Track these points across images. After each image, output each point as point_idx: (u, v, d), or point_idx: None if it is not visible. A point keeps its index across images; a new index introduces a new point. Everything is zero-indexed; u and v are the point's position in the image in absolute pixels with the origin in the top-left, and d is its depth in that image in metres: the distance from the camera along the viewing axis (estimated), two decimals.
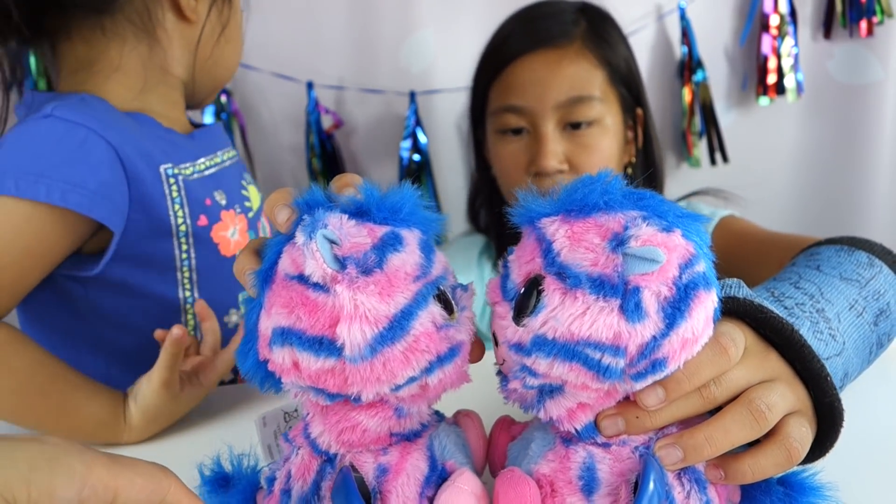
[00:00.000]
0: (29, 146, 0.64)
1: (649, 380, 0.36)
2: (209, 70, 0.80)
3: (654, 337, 0.34)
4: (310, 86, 1.20)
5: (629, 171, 0.98)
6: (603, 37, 0.94)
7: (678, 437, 0.38)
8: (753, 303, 0.42)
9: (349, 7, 1.19)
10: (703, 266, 0.36)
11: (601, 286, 0.34)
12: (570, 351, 0.35)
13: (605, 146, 0.92)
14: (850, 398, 0.52)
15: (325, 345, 0.35)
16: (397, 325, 0.35)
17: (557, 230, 0.36)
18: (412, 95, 1.22)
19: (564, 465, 0.38)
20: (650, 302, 0.34)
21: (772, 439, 0.39)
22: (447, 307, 0.37)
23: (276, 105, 1.23)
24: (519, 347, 0.37)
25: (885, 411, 0.58)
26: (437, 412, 0.44)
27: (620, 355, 0.34)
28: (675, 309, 0.34)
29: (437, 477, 0.39)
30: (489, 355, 0.41)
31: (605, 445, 0.38)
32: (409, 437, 0.40)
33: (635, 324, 0.34)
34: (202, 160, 0.79)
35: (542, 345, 0.35)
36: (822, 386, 0.41)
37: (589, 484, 0.37)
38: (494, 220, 1.06)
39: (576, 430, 0.39)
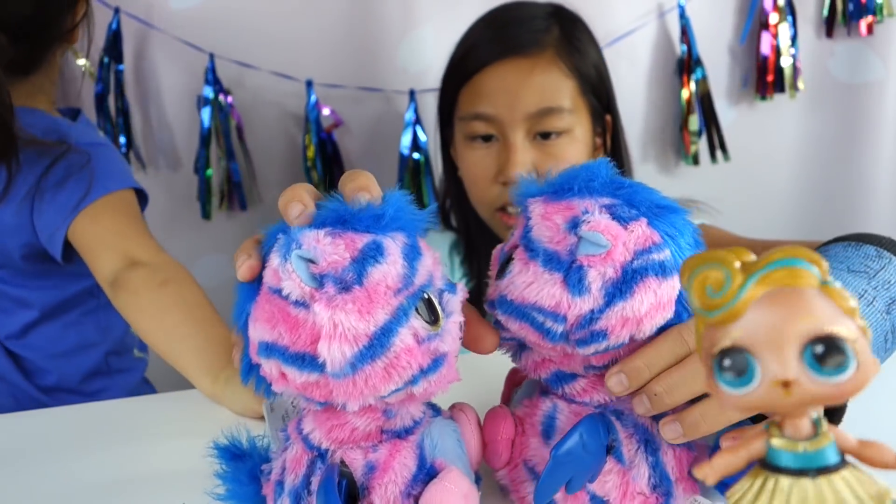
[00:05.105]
0: (113, 162, 0.92)
1: (592, 348, 0.39)
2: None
3: (592, 311, 0.38)
4: (309, 84, 1.20)
5: None
6: (574, 45, 0.94)
7: (678, 414, 0.40)
8: None
9: (349, 5, 1.20)
10: (666, 255, 0.38)
11: (551, 260, 0.39)
12: (521, 312, 0.40)
13: (574, 155, 0.93)
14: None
15: (308, 360, 0.35)
16: (377, 343, 0.35)
17: (535, 209, 0.41)
18: (412, 94, 1.22)
19: (533, 412, 0.44)
20: (595, 280, 0.38)
21: None
22: (433, 315, 0.37)
23: (276, 103, 1.23)
24: (491, 303, 0.43)
25: (886, 411, 0.57)
26: (432, 405, 0.44)
27: (560, 322, 0.39)
28: (617, 289, 0.38)
29: (426, 475, 0.39)
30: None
31: (570, 401, 0.44)
32: (401, 435, 0.40)
33: (575, 297, 0.38)
34: None
35: (503, 303, 0.41)
36: None
37: (547, 430, 0.43)
38: (463, 222, 1.05)
39: (542, 378, 0.44)
